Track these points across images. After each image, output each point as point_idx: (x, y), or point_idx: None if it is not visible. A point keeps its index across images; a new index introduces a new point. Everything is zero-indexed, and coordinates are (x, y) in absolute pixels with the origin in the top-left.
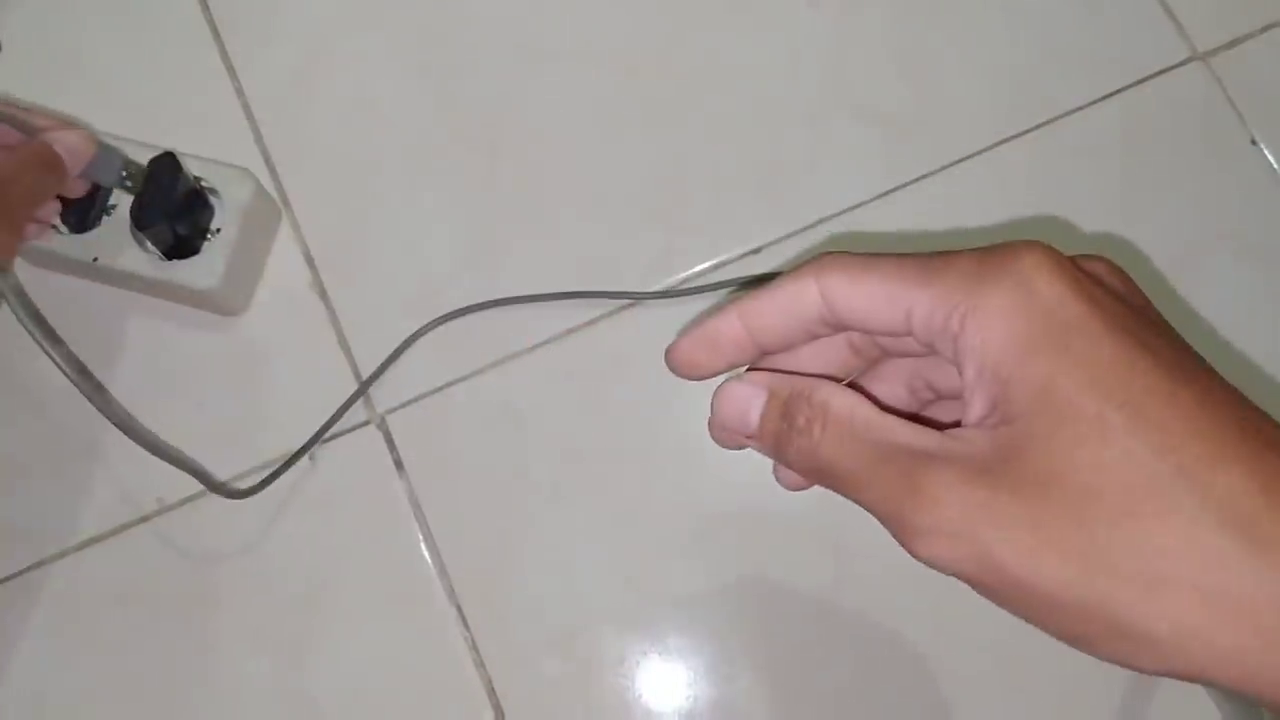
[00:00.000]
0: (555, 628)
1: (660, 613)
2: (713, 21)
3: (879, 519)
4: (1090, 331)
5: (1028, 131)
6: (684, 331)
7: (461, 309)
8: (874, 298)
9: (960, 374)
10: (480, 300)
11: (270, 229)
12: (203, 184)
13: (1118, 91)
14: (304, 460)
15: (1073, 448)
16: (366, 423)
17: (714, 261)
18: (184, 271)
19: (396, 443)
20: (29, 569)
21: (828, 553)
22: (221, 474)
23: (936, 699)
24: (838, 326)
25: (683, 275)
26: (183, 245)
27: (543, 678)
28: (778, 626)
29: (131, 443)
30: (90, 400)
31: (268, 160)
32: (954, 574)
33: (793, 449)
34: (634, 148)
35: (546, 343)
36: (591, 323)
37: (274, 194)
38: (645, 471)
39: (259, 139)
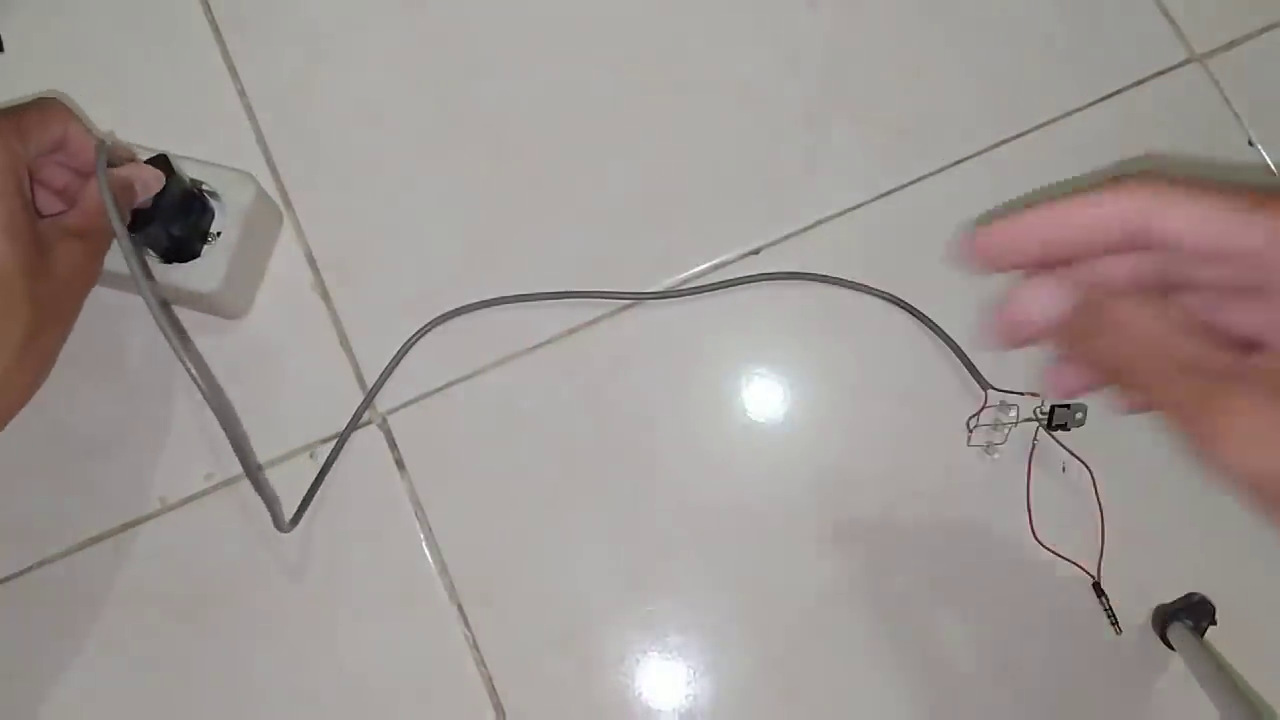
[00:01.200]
0: (555, 626)
1: (660, 611)
2: (713, 22)
3: (1176, 425)
4: None
5: (1026, 133)
6: (991, 216)
7: (461, 308)
8: (1200, 219)
9: None
10: (480, 299)
11: (271, 232)
12: (203, 187)
13: (1116, 93)
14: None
15: None
16: (368, 422)
17: (714, 262)
18: (185, 275)
19: (398, 442)
20: (31, 568)
21: (827, 551)
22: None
23: (936, 697)
24: (1145, 244)
25: (683, 275)
26: (181, 248)
27: (543, 676)
28: (778, 625)
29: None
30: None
31: (269, 161)
32: (1256, 485)
33: (1093, 346)
34: (634, 148)
35: (546, 343)
36: (592, 323)
37: (276, 195)
38: (645, 471)
39: (261, 139)
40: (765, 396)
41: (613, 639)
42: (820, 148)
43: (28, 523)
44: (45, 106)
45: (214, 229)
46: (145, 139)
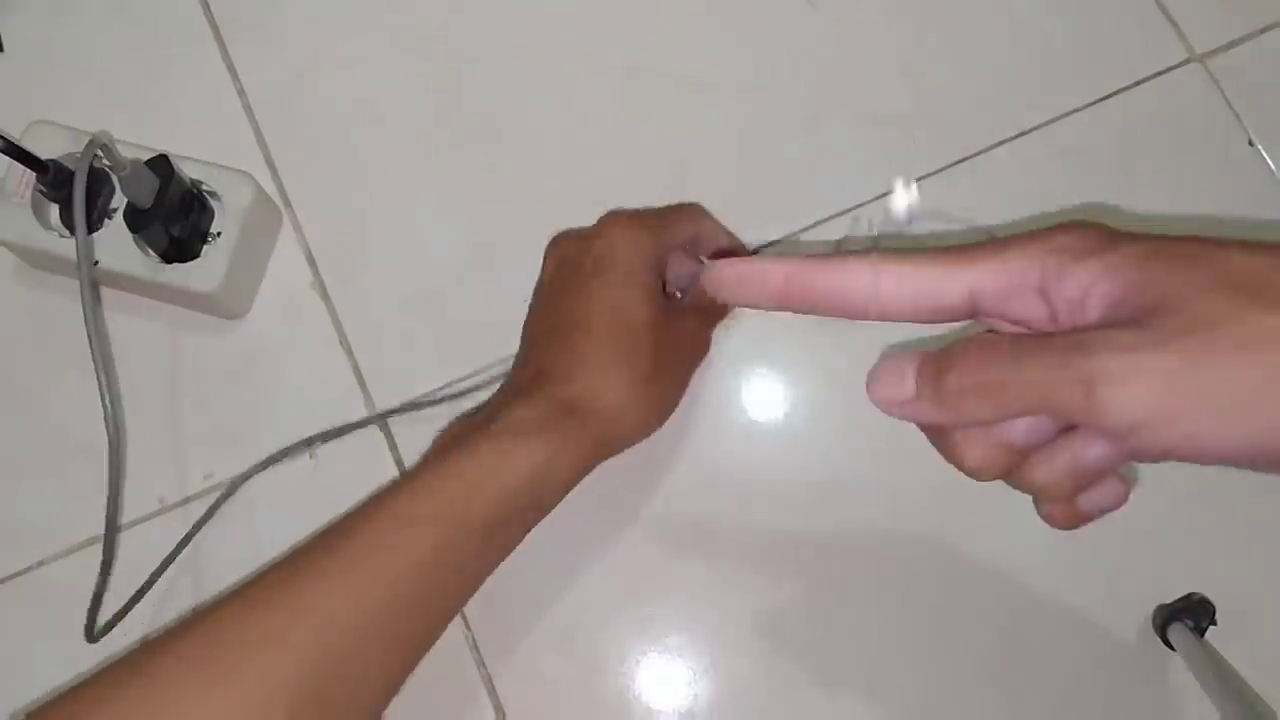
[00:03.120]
0: (556, 626)
1: (660, 612)
2: (712, 22)
3: (1055, 408)
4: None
5: (1026, 133)
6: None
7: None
8: (901, 286)
9: (1058, 305)
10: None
11: (271, 232)
12: (203, 187)
13: (1116, 93)
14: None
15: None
16: (368, 422)
17: None
18: (184, 275)
19: (398, 443)
20: (29, 569)
21: (827, 552)
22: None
23: (935, 698)
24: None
25: None
26: (181, 248)
27: (543, 676)
28: (778, 625)
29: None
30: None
31: (269, 161)
32: (1144, 417)
33: (954, 398)
34: (634, 149)
35: None
36: None
37: (275, 194)
38: (644, 471)
39: (260, 139)
40: (764, 396)
41: (613, 638)
42: (820, 149)
43: (27, 523)
44: (684, 209)
45: (214, 229)
46: (145, 139)
